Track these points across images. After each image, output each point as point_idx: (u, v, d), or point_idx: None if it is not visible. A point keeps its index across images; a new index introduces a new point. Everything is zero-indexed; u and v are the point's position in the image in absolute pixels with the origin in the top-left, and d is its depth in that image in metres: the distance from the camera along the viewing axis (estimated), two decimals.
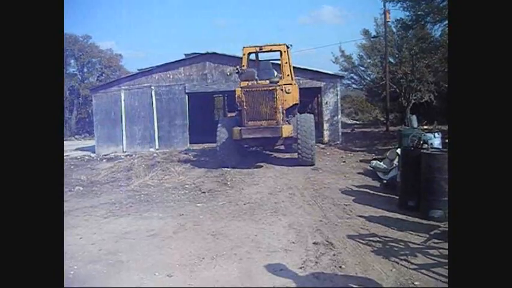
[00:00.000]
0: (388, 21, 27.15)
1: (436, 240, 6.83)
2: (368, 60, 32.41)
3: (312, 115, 16.45)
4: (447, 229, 6.17)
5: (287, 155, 17.85)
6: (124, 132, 24.39)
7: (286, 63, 16.27)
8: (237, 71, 15.69)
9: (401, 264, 5.86)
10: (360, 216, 8.65)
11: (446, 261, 5.26)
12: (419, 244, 6.66)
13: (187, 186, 12.82)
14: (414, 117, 14.08)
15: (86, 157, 22.71)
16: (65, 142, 33.93)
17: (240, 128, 14.50)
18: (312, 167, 14.96)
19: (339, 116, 23.48)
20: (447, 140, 9.86)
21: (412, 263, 5.88)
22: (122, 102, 24.32)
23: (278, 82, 15.37)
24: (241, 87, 14.98)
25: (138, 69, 25.84)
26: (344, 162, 16.36)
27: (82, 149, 26.89)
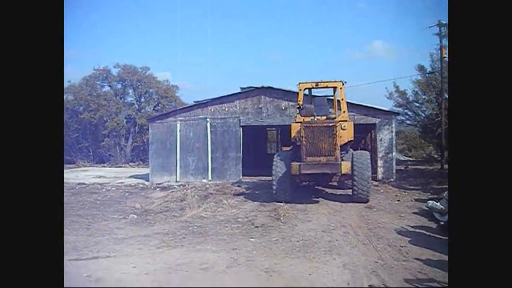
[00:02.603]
0: (444, 57, 26.68)
1: None
2: (423, 96, 31.84)
3: (367, 152, 16.33)
4: None
5: (340, 191, 17.67)
6: (178, 162, 24.76)
7: (342, 99, 16.27)
8: (298, 106, 15.86)
9: None
10: (417, 259, 8.43)
11: None
12: None
13: (240, 219, 12.85)
14: None
15: (141, 185, 23.16)
16: (119, 169, 34.83)
17: (299, 163, 14.50)
18: (365, 205, 14.74)
19: (394, 153, 23.12)
20: None
21: None
22: (178, 132, 24.77)
23: (335, 118, 15.38)
24: (301, 123, 15.05)
25: (194, 101, 26.33)
26: (399, 201, 16.03)
27: (136, 177, 27.41)
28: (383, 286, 6.80)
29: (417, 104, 32.70)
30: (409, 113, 33.48)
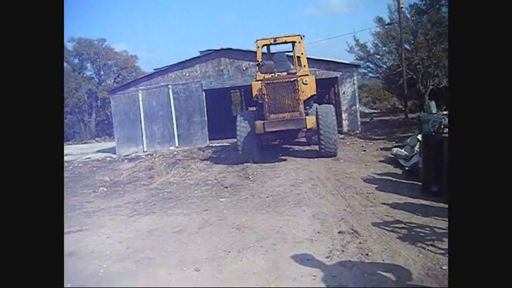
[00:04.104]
0: (402, 7, 26.79)
1: None
2: (383, 48, 31.90)
3: (332, 106, 16.28)
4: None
5: (307, 147, 17.81)
6: (143, 132, 24.59)
7: (302, 54, 16.19)
8: (257, 63, 15.67)
9: (428, 250, 5.84)
10: (383, 203, 8.62)
11: None
12: (444, 229, 6.56)
13: (209, 182, 12.90)
14: (433, 103, 13.87)
15: (108, 158, 22.96)
16: (85, 145, 34.37)
17: (263, 122, 14.37)
18: (332, 158, 14.88)
19: (357, 105, 23.42)
20: None
21: (439, 248, 5.85)
22: (140, 102, 24.51)
23: (295, 73, 15.31)
24: (262, 80, 14.88)
25: (154, 69, 25.96)
26: (365, 151, 16.30)
27: (103, 151, 27.12)
28: (351, 231, 6.95)
29: (378, 56, 32.77)
30: (371, 65, 33.56)
